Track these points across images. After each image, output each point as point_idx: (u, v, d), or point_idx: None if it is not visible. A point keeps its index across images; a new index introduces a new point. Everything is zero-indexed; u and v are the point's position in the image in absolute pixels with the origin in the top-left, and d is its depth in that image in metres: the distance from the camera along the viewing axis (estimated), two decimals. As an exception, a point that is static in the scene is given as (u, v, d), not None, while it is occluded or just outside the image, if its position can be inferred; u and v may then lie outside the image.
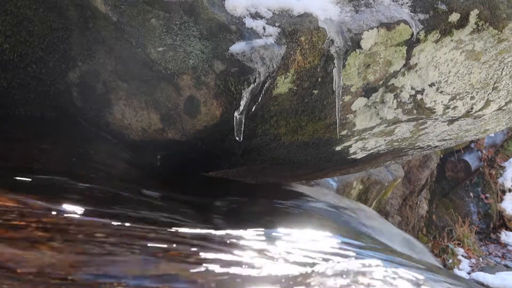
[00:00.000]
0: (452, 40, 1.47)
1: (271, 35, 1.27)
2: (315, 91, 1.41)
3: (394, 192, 4.83)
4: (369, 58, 1.40)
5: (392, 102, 1.58)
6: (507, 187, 6.93)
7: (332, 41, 1.32)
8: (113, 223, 0.91)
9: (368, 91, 1.50)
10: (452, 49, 1.50)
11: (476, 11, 1.43)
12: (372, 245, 1.42)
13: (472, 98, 1.68)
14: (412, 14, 1.39)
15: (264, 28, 1.27)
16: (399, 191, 5.08)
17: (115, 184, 1.28)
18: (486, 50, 1.54)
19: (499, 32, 1.50)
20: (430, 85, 1.57)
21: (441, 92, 1.60)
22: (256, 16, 1.29)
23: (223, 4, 1.27)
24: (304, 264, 0.86)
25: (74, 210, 0.94)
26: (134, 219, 1.05)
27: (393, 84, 1.52)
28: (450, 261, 5.50)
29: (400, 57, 1.44)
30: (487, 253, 6.11)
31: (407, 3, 1.40)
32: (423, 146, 2.06)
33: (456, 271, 5.30)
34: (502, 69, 1.63)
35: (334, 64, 1.34)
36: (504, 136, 7.22)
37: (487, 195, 6.72)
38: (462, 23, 1.44)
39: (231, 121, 1.32)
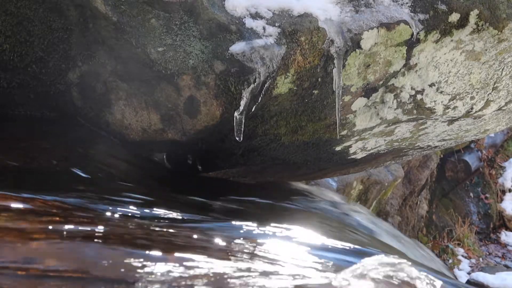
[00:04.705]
0: (452, 40, 1.47)
1: (271, 35, 1.27)
2: (315, 91, 1.41)
3: (394, 192, 4.82)
4: (369, 58, 1.40)
5: (392, 102, 1.58)
6: (507, 187, 6.92)
7: (332, 41, 1.31)
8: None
9: (368, 91, 1.50)
10: (452, 49, 1.50)
11: (476, 11, 1.43)
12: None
13: (472, 98, 1.68)
14: (412, 14, 1.39)
15: (264, 28, 1.27)
16: (399, 191, 5.08)
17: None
18: (486, 50, 1.54)
19: (499, 32, 1.49)
20: (430, 85, 1.56)
21: (441, 92, 1.60)
22: (256, 16, 1.29)
23: (223, 4, 1.27)
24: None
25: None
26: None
27: (393, 84, 1.52)
28: (450, 261, 5.50)
29: (400, 57, 1.44)
30: (487, 253, 6.11)
31: (407, 3, 1.40)
32: (423, 146, 2.06)
33: (456, 271, 5.30)
34: (502, 69, 1.63)
35: (334, 64, 1.34)
36: (504, 136, 7.22)
37: (487, 195, 6.71)
38: (462, 23, 1.44)
39: (231, 121, 1.32)
